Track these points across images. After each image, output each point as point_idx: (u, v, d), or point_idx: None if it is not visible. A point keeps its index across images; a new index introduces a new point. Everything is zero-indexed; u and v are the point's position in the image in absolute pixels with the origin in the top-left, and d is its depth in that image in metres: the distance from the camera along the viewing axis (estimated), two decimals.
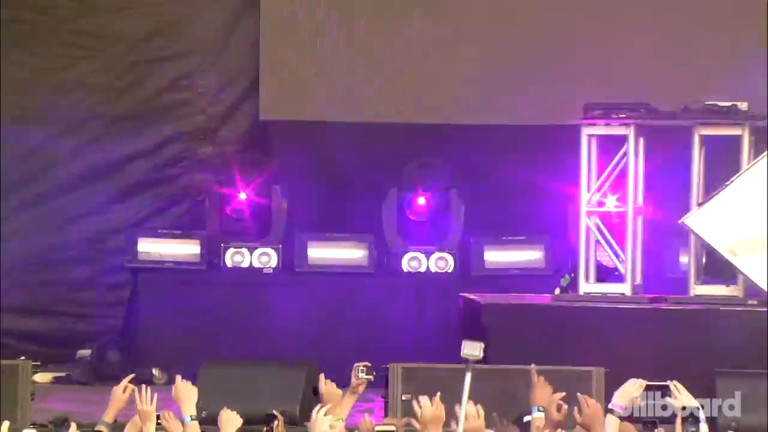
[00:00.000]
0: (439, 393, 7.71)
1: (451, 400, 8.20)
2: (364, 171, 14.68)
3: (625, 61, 14.49)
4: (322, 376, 8.82)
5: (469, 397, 7.62)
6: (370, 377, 9.05)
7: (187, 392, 8.60)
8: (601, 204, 12.60)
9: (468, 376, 7.53)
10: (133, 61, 15.40)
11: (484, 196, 14.51)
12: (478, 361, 7.47)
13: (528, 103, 14.33)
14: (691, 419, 8.11)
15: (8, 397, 10.99)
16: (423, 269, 14.07)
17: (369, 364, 9.03)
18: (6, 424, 9.01)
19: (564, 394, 8.67)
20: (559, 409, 8.48)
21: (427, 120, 14.72)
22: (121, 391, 8.61)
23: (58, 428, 8.87)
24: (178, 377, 8.38)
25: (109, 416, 8.66)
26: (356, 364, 8.84)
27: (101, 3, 15.67)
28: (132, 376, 8.79)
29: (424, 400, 7.76)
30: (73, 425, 8.53)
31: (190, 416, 8.28)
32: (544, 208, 13.95)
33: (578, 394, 8.12)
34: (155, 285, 14.13)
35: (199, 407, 8.55)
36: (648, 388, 8.32)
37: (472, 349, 7.76)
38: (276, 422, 8.98)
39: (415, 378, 10.94)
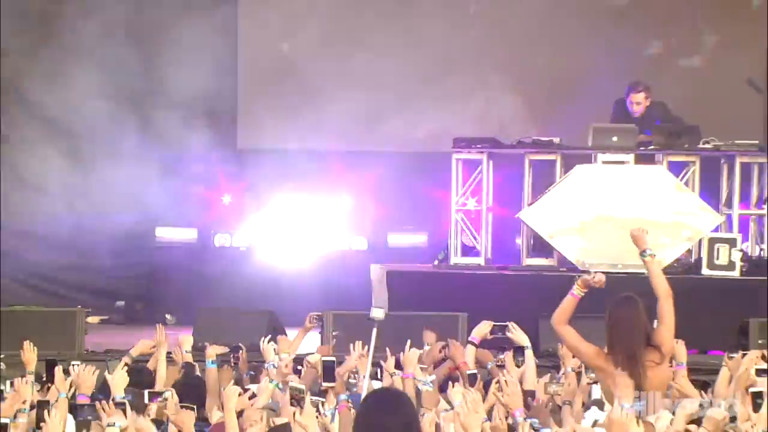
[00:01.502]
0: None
1: (366, 337, 7.97)
2: (315, 181, 14.48)
3: (481, 108, 14.33)
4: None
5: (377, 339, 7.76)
6: (321, 322, 9.43)
7: (186, 339, 9.01)
8: (464, 204, 12.75)
9: (374, 332, 7.69)
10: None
11: (388, 200, 14.45)
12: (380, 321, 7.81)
13: (418, 136, 14.34)
14: (519, 350, 8.25)
15: (69, 334, 11.19)
16: (348, 247, 14.17)
17: (320, 313, 9.35)
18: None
19: (444, 343, 8.76)
20: (440, 350, 8.60)
21: (352, 148, 14.64)
22: (150, 345, 8.69)
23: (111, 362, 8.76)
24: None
25: (135, 353, 8.67)
26: (311, 313, 9.15)
27: None
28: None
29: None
30: (124, 362, 8.50)
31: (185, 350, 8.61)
32: (428, 207, 13.97)
33: (449, 339, 8.48)
34: (168, 258, 14.07)
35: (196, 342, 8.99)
36: (494, 326, 8.45)
37: (377, 312, 8.17)
38: (241, 351, 8.90)
39: (342, 321, 10.99)
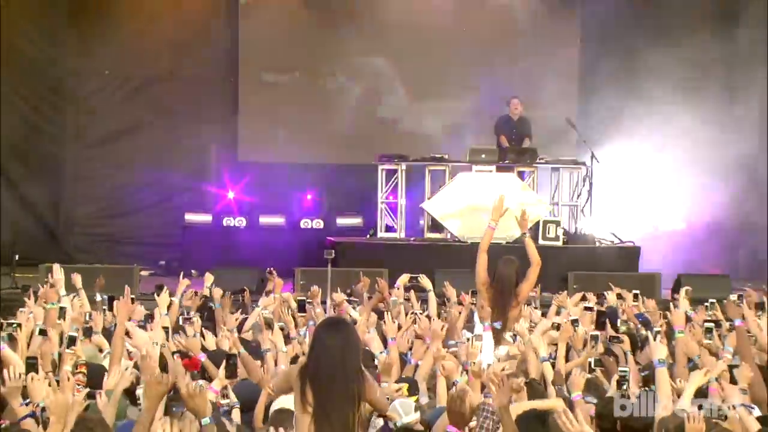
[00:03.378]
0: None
1: (321, 283, 8.42)
2: (290, 183, 14.26)
3: (396, 137, 14.24)
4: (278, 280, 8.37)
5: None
6: (273, 275, 8.59)
7: (208, 277, 8.38)
8: (387, 198, 12.86)
9: (329, 269, 8.14)
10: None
11: (338, 195, 14.28)
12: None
13: (357, 153, 14.02)
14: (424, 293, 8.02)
15: (129, 282, 10.07)
16: (310, 226, 13.90)
17: (272, 269, 8.71)
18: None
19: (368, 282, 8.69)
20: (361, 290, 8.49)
21: (316, 161, 14.31)
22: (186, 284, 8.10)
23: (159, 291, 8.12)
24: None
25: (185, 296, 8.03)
26: (269, 268, 8.86)
27: None
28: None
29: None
30: (165, 288, 8.04)
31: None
32: (363, 200, 13.73)
33: (377, 278, 8.19)
34: (195, 234, 13.73)
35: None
36: (410, 277, 8.37)
37: (329, 253, 8.16)
38: (245, 292, 8.90)
39: (306, 274, 11.02)
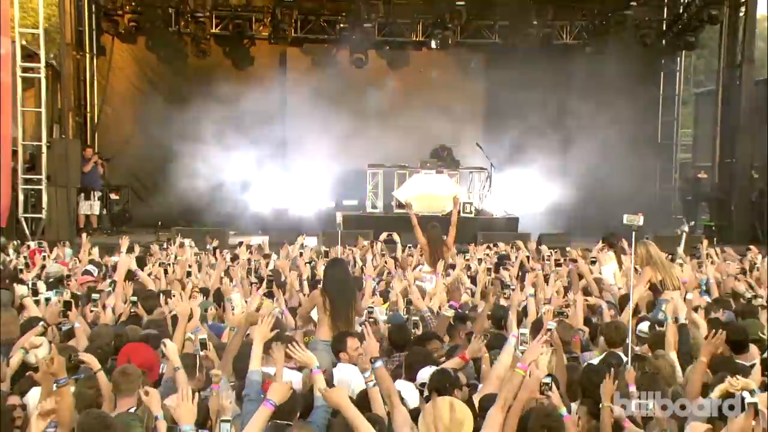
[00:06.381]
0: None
1: (334, 241, 7.80)
2: (315, 181, 13.45)
3: (378, 152, 13.28)
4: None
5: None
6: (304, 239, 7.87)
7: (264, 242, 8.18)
8: (372, 189, 12.64)
9: (339, 230, 7.66)
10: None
11: (344, 186, 13.37)
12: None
13: (354, 159, 13.23)
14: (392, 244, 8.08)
15: (222, 239, 10.07)
16: (326, 207, 13.29)
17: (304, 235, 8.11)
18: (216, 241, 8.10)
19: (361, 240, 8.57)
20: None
21: (334, 168, 13.23)
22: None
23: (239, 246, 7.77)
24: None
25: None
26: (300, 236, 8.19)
27: None
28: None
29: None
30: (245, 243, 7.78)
31: None
32: (358, 189, 13.01)
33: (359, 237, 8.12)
34: (252, 217, 12.90)
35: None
36: (387, 235, 8.20)
37: (340, 218, 7.71)
38: (284, 244, 7.84)
39: (325, 234, 10.70)
